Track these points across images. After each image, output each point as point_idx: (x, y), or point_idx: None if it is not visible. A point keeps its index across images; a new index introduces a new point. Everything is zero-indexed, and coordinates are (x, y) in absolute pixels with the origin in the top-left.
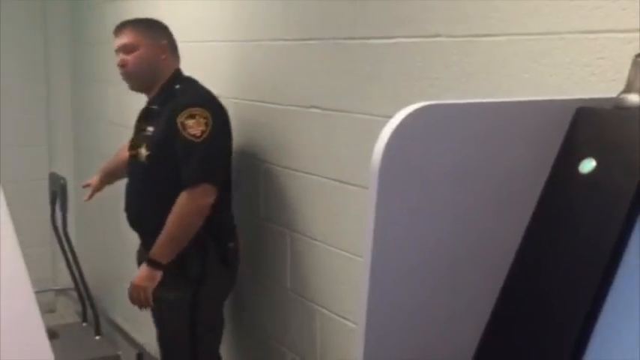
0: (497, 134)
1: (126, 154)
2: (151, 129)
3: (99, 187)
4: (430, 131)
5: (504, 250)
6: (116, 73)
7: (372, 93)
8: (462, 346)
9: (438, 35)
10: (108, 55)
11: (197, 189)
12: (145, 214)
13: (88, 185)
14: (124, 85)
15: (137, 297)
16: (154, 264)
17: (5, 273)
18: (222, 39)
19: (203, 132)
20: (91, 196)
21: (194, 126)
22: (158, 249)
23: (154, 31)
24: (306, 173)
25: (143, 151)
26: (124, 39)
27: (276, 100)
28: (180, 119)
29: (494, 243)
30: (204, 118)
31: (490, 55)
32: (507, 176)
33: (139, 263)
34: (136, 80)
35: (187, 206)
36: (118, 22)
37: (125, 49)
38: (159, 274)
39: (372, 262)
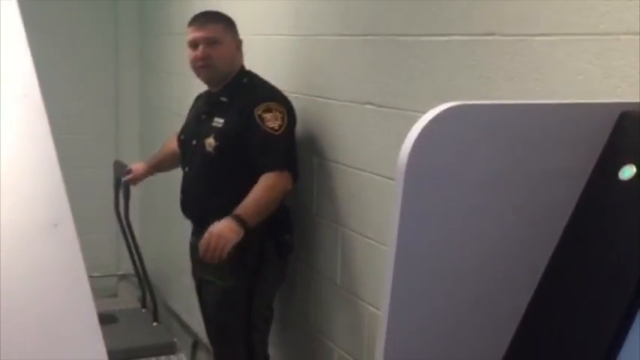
0: (534, 138)
1: (173, 146)
2: (220, 121)
3: (142, 177)
4: (460, 132)
5: (537, 256)
6: (181, 65)
7: (424, 90)
8: (486, 353)
9: (492, 34)
10: (173, 47)
11: (282, 174)
12: (208, 204)
13: (130, 170)
14: (188, 77)
15: (215, 246)
16: (240, 220)
17: (60, 258)
18: (283, 33)
19: (280, 126)
20: (133, 183)
21: (272, 119)
22: (246, 209)
23: (233, 27)
24: (360, 170)
25: (211, 142)
26: (209, 32)
27: (332, 96)
28: (257, 112)
29: (527, 248)
30: (280, 112)
31: (543, 55)
32: (543, 181)
33: (192, 255)
34: (216, 73)
35: (276, 183)
36: (184, 15)
37: (209, 41)
38: (242, 233)
39: (396, 262)
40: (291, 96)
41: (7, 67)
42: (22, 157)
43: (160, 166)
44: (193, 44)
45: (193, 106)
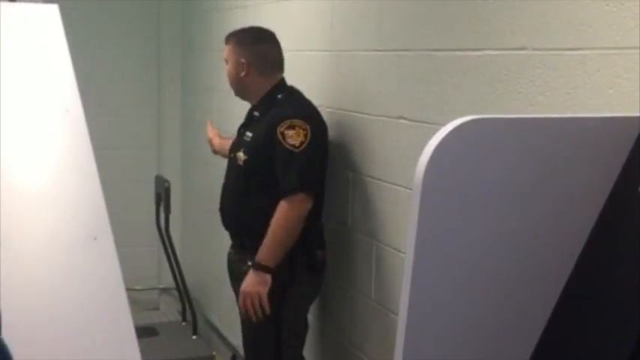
0: (553, 151)
1: None
2: (249, 134)
3: (208, 141)
4: (477, 145)
5: (558, 268)
6: (221, 80)
7: (457, 105)
8: None
9: (524, 48)
10: (214, 62)
11: (295, 198)
12: (240, 216)
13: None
14: (228, 92)
15: (251, 304)
16: (261, 267)
17: (99, 270)
18: (318, 49)
19: (302, 143)
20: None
21: (294, 136)
22: (264, 253)
23: (240, 47)
24: (394, 184)
25: (241, 155)
26: (225, 50)
27: (366, 110)
28: (280, 129)
29: (547, 260)
30: (304, 130)
31: (574, 69)
32: (563, 194)
33: (229, 267)
34: (233, 90)
35: (288, 214)
36: (224, 32)
37: (225, 60)
38: (269, 278)
39: (414, 274)
40: (325, 111)
41: (50, 83)
42: (63, 172)
43: (225, 149)
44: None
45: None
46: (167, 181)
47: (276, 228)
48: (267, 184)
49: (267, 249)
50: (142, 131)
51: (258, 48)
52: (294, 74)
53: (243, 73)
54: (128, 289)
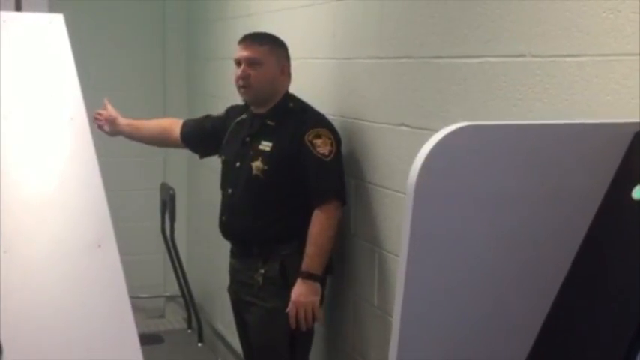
0: (546, 158)
1: (163, 125)
2: (268, 144)
3: (114, 120)
4: (470, 152)
5: (550, 275)
6: (226, 89)
7: (457, 112)
8: None
9: (523, 55)
10: (219, 71)
11: (330, 206)
12: (253, 226)
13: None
14: (233, 100)
15: (305, 314)
16: (311, 276)
17: (104, 277)
18: (321, 56)
19: (330, 151)
20: (100, 116)
21: (322, 145)
22: (313, 262)
23: (279, 51)
24: (395, 191)
25: (259, 165)
26: (251, 52)
27: (367, 118)
28: (308, 138)
29: (540, 267)
30: (330, 139)
31: (572, 76)
32: (555, 200)
33: (234, 276)
34: (254, 94)
35: (328, 221)
36: (228, 41)
37: (250, 62)
38: (319, 286)
39: (407, 278)
40: (329, 118)
41: (55, 92)
42: (67, 179)
43: (137, 129)
44: (237, 63)
45: (231, 123)
46: (172, 189)
47: (317, 237)
48: (287, 194)
49: (316, 257)
50: None
51: (289, 53)
52: (297, 82)
53: (282, 77)
54: (134, 297)
